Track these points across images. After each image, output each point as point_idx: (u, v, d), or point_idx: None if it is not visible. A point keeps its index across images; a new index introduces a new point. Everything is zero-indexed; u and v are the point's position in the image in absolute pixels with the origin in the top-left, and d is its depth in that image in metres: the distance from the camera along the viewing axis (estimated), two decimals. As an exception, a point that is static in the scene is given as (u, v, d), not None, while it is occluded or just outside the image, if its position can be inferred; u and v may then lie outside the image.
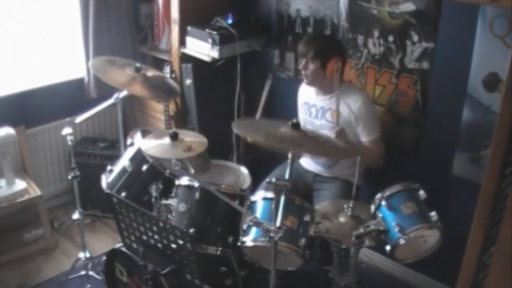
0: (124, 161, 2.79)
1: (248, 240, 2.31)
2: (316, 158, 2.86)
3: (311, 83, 2.79)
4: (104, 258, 2.52)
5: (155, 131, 2.79)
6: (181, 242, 2.10)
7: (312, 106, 2.85)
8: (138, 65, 2.83)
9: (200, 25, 3.28)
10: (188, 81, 3.39)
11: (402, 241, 2.18)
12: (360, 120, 2.71)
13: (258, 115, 2.95)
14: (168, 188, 2.67)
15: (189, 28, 3.31)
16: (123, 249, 2.36)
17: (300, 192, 2.69)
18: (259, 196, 2.43)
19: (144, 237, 2.23)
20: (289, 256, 2.29)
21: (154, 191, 2.66)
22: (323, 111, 2.80)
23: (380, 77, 2.95)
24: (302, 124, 2.83)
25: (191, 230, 2.43)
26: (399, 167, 2.84)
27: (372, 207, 2.35)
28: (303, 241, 2.27)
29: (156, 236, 2.18)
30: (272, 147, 2.20)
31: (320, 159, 2.86)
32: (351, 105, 2.71)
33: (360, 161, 2.40)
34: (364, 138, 2.75)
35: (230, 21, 3.27)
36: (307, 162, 2.93)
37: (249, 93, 3.55)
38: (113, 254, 2.43)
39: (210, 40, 3.19)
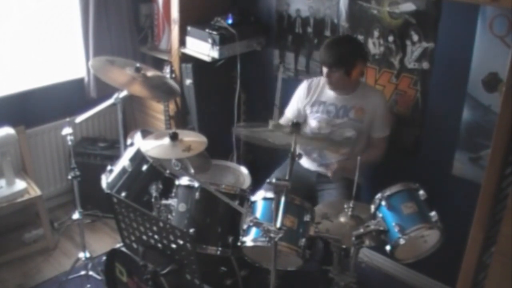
0: (124, 161, 2.79)
1: (248, 240, 2.31)
2: (328, 156, 2.86)
3: (335, 89, 2.77)
4: (104, 258, 2.52)
5: (155, 131, 2.79)
6: (181, 242, 2.10)
7: (331, 105, 2.81)
8: (138, 65, 2.83)
9: (200, 25, 3.27)
10: (188, 81, 3.39)
11: (402, 241, 2.18)
12: (378, 117, 2.75)
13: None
14: (168, 188, 2.67)
15: (189, 28, 3.31)
16: (123, 249, 2.36)
17: (302, 193, 2.68)
18: (259, 196, 2.43)
19: (144, 237, 2.23)
20: (289, 256, 2.29)
21: (154, 191, 2.66)
22: (346, 109, 2.77)
23: (380, 77, 2.95)
24: (317, 123, 2.82)
25: (191, 230, 2.43)
26: (399, 167, 2.84)
27: (372, 207, 2.35)
28: (303, 241, 2.27)
29: (156, 236, 2.18)
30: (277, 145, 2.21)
31: (332, 159, 2.85)
32: (375, 104, 2.74)
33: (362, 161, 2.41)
34: (376, 134, 2.79)
35: (230, 21, 3.27)
36: (310, 163, 2.92)
37: (249, 93, 3.55)
38: (113, 254, 2.43)
39: (210, 40, 3.19)
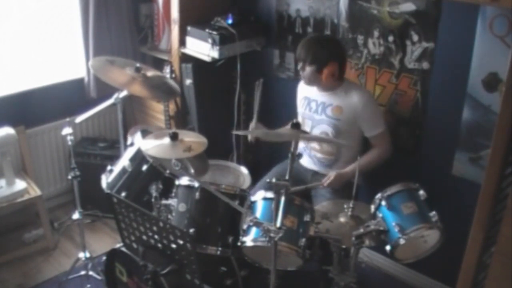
0: (124, 161, 2.79)
1: (248, 240, 2.31)
2: (316, 156, 2.86)
3: (308, 83, 2.82)
4: (104, 258, 2.51)
5: (155, 131, 2.79)
6: (181, 242, 2.10)
7: (313, 100, 2.85)
8: (138, 65, 2.83)
9: (200, 25, 3.28)
10: (188, 81, 3.39)
11: (402, 241, 2.18)
12: (363, 117, 2.72)
13: (253, 123, 2.94)
14: (168, 188, 2.67)
15: (189, 28, 3.31)
16: (123, 249, 2.35)
17: (298, 191, 2.69)
18: (259, 196, 2.43)
19: (144, 237, 2.23)
20: (289, 256, 2.29)
21: (154, 191, 2.66)
22: (324, 106, 2.80)
23: (380, 77, 2.95)
24: (301, 118, 2.86)
25: (191, 230, 2.43)
26: (399, 167, 2.84)
27: (372, 207, 2.35)
28: (303, 241, 2.27)
29: (156, 236, 2.18)
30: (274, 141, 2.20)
31: (320, 158, 2.86)
32: (354, 104, 2.71)
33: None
34: (369, 134, 2.77)
35: (230, 21, 3.27)
36: (306, 161, 2.93)
37: (249, 93, 3.55)
38: (113, 254, 2.43)
39: (210, 40, 3.19)
